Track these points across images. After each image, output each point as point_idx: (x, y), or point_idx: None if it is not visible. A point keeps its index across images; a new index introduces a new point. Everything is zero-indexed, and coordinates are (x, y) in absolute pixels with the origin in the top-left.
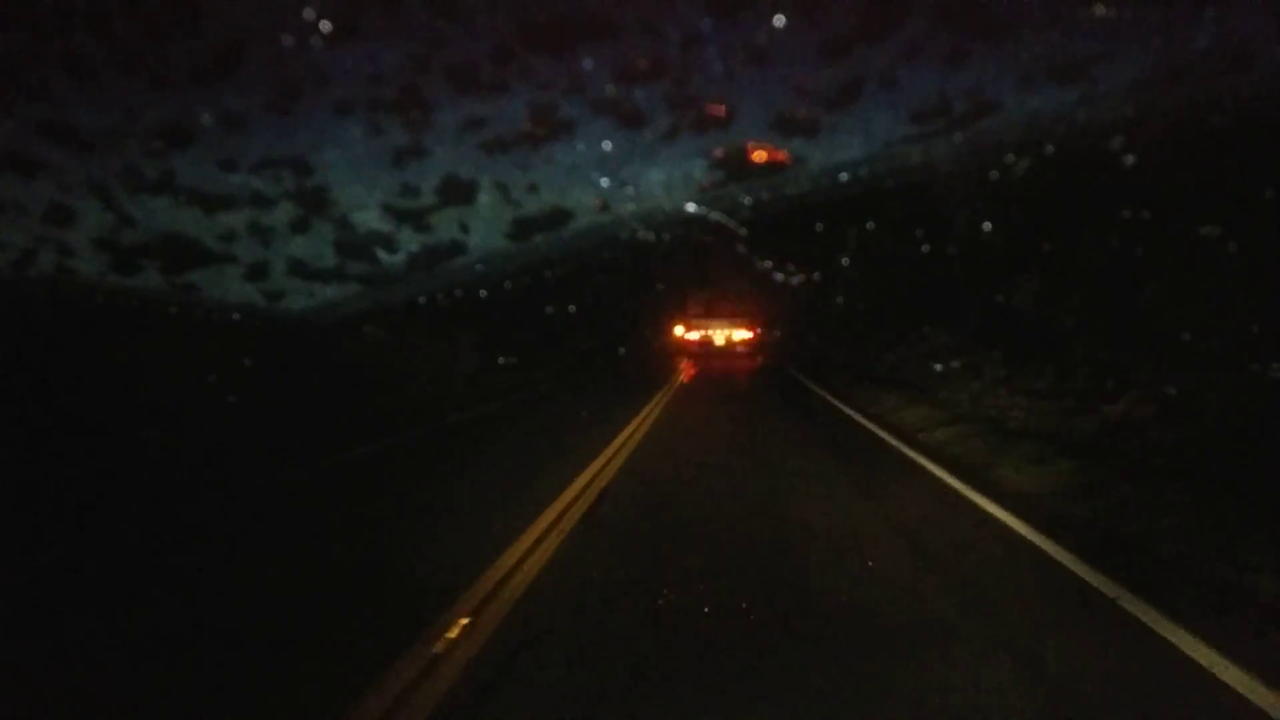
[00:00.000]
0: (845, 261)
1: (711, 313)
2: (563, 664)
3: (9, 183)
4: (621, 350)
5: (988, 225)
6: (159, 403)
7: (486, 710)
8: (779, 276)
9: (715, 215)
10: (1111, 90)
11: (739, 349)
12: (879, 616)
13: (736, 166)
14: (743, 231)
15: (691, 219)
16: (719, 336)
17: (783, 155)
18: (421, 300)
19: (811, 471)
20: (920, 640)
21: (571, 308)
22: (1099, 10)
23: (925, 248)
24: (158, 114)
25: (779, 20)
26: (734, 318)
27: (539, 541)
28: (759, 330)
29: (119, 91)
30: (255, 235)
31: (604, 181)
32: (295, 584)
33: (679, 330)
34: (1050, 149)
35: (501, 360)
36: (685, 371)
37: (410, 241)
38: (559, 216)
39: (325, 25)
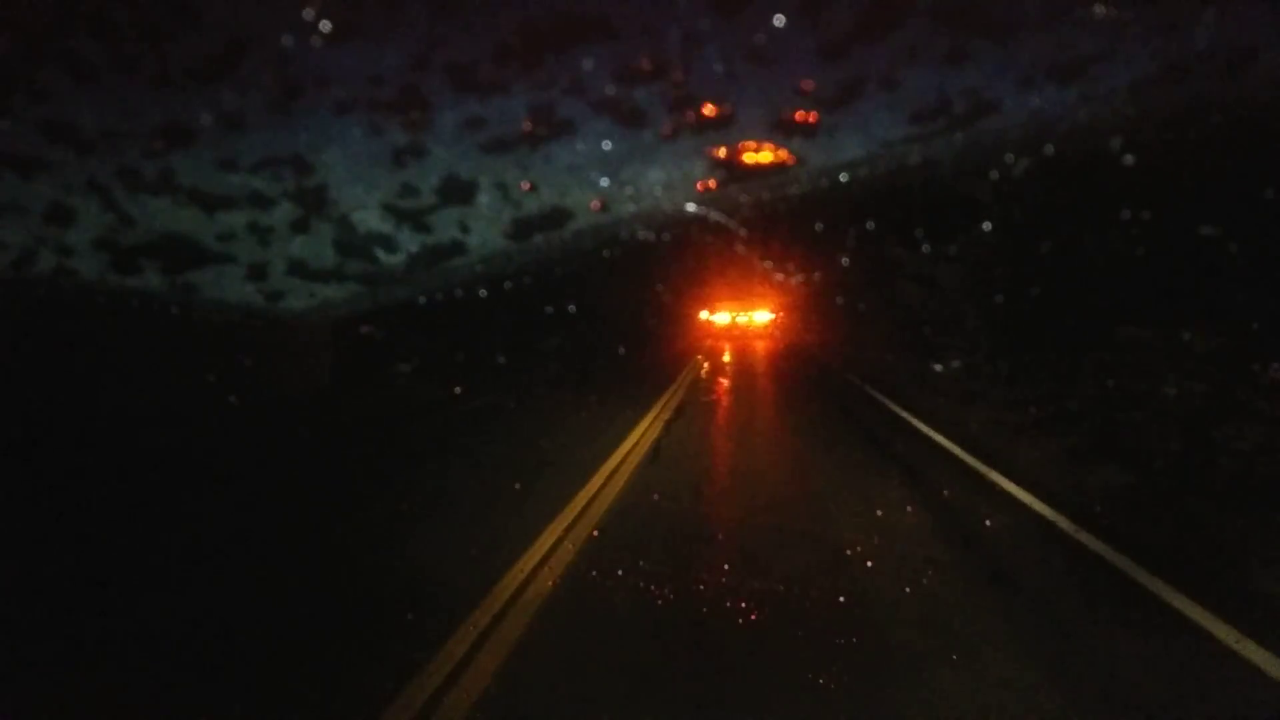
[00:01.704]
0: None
1: (735, 298)
2: None
3: (9, 183)
4: (622, 349)
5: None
6: (158, 403)
7: None
8: (779, 276)
9: (715, 215)
10: (1111, 90)
11: (759, 329)
12: None
13: (736, 166)
14: (743, 231)
15: (691, 219)
16: (742, 318)
17: (783, 155)
18: (421, 300)
19: None
20: None
21: (572, 307)
22: (1099, 10)
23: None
24: (158, 114)
25: (779, 20)
26: (754, 302)
27: None
28: (778, 314)
29: (119, 91)
30: (255, 235)
31: (604, 181)
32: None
33: (704, 314)
34: (1050, 149)
35: (406, 368)
36: (705, 364)
37: (410, 241)
38: (559, 216)
39: (325, 25)
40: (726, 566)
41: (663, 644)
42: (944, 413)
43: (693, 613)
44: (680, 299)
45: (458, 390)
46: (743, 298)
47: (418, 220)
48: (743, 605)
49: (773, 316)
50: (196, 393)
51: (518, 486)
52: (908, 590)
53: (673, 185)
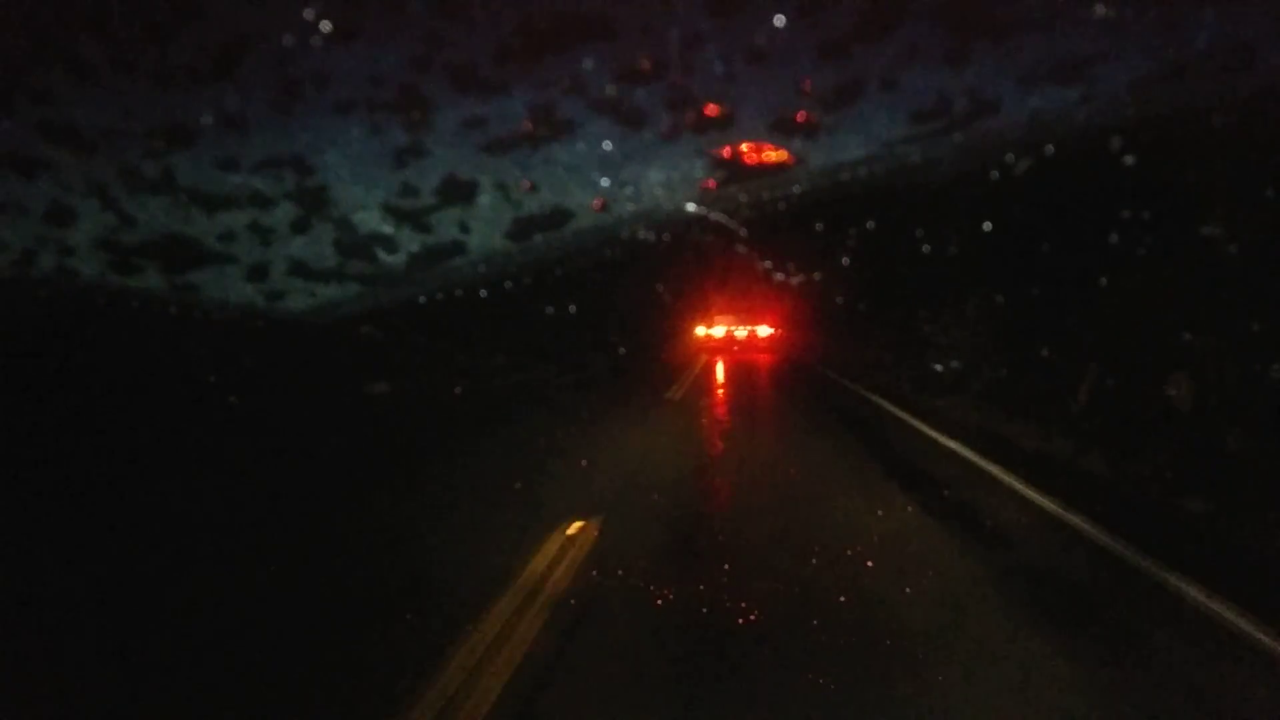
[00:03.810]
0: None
1: (734, 310)
2: None
3: (9, 183)
4: (618, 354)
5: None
6: (158, 403)
7: None
8: (780, 276)
9: (715, 215)
10: (1111, 90)
11: (760, 344)
12: None
13: (736, 166)
14: (743, 231)
15: (691, 219)
16: (741, 331)
17: (783, 155)
18: (421, 300)
19: None
20: None
21: (572, 308)
22: (1099, 10)
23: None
24: (158, 114)
25: (779, 20)
26: (755, 315)
27: None
28: (779, 328)
29: (119, 91)
30: (255, 235)
31: (604, 181)
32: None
33: (701, 329)
34: (1050, 149)
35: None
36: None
37: (410, 242)
38: (559, 216)
39: (325, 25)
40: None
41: None
42: None
43: None
44: (676, 311)
45: None
46: (741, 310)
47: (418, 220)
48: None
49: (773, 331)
50: (201, 392)
51: None
52: None
53: (673, 185)
